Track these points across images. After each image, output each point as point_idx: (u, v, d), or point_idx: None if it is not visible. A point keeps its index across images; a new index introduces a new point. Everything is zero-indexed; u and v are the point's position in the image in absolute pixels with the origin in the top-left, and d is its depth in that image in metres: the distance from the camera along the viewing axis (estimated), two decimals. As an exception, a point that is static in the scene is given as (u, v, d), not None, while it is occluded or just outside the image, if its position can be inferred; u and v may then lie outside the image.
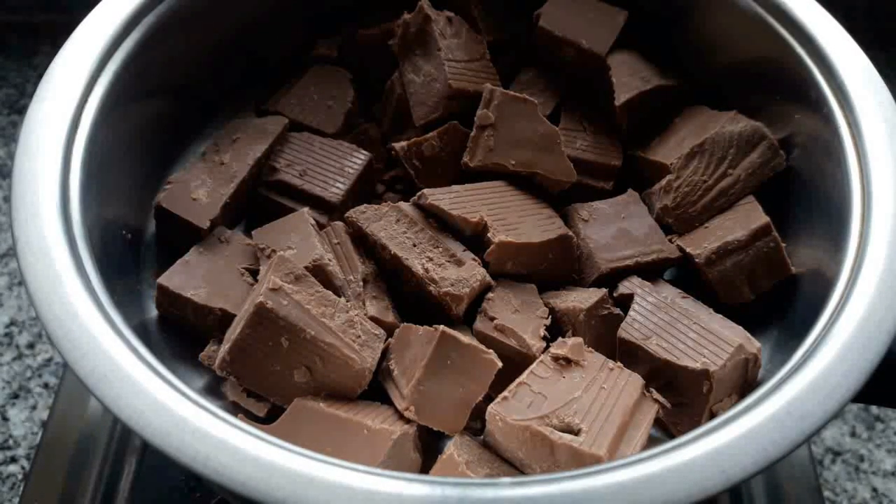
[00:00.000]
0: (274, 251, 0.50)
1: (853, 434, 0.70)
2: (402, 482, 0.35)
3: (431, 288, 0.49)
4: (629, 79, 0.58)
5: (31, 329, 0.73)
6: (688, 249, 0.52)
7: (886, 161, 0.46)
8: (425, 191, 0.52)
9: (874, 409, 0.72)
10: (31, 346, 0.73)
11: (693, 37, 0.59)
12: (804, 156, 0.53)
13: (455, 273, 0.50)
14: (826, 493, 0.67)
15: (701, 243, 0.52)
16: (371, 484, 0.34)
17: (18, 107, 0.89)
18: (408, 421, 0.45)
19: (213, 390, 0.48)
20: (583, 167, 0.57)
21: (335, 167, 0.56)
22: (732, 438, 0.36)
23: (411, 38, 0.58)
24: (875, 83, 0.49)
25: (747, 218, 0.52)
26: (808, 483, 0.61)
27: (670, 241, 0.54)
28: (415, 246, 0.51)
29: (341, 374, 0.45)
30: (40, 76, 0.48)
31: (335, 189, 0.55)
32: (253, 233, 0.52)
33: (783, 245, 0.51)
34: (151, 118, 0.55)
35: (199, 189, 0.54)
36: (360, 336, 0.46)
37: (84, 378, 0.38)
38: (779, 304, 0.51)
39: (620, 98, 0.57)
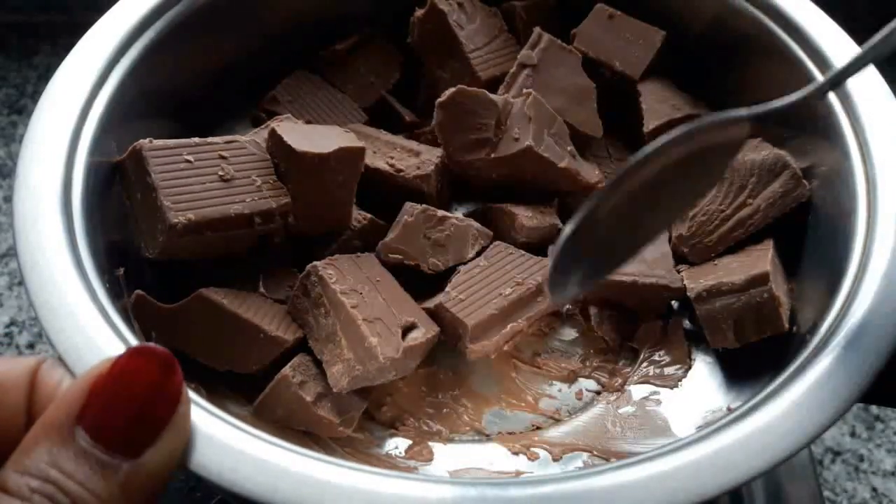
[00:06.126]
0: None
1: (853, 434, 0.70)
2: (402, 482, 0.35)
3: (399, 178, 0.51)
4: (660, 106, 0.57)
5: (31, 329, 0.73)
6: (686, 282, 0.51)
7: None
8: None
9: (874, 409, 0.72)
10: (31, 346, 0.73)
11: (730, 71, 0.57)
12: (823, 188, 0.51)
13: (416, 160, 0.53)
14: (826, 493, 0.67)
15: (700, 278, 0.50)
16: (373, 485, 0.34)
17: (18, 107, 0.88)
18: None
19: (214, 390, 0.48)
20: None
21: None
22: (736, 440, 0.36)
23: (429, 36, 0.58)
24: None
25: (753, 263, 0.49)
26: (808, 483, 0.61)
27: (678, 271, 0.52)
28: (375, 153, 0.54)
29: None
30: (40, 76, 0.48)
31: None
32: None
33: (777, 296, 0.47)
34: (155, 124, 0.54)
35: None
36: None
37: (84, 379, 0.37)
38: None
39: (649, 125, 0.56)
